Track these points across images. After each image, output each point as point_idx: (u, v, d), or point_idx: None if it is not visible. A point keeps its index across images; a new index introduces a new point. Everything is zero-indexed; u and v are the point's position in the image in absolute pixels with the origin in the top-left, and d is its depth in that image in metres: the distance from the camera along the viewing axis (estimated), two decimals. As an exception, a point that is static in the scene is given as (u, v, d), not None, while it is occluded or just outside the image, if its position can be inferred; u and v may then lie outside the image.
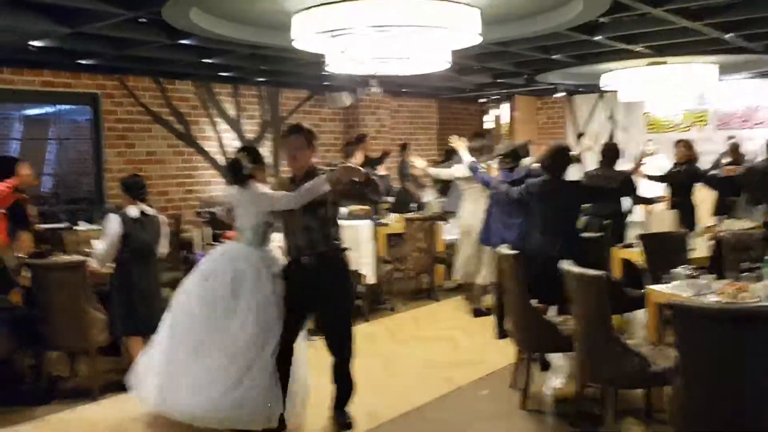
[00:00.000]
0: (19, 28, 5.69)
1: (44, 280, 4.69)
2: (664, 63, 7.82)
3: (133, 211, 4.93)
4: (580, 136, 11.99)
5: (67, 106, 10.39)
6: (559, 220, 5.02)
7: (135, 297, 4.79)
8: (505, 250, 4.61)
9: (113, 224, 4.83)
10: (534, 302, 4.64)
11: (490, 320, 6.28)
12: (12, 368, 4.85)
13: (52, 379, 5.01)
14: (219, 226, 6.09)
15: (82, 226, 7.14)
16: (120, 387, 4.55)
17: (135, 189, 5.04)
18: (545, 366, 5.11)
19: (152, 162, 8.89)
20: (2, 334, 4.53)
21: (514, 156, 5.99)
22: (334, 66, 5.39)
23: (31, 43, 6.25)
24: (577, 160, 5.75)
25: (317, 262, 3.99)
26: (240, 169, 4.15)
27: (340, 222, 6.45)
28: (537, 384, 4.73)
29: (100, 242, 4.93)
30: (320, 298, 4.03)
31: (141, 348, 4.51)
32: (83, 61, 7.41)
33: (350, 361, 4.13)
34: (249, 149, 4.39)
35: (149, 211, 5.05)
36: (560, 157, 5.10)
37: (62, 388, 4.93)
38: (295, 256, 4.06)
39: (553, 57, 7.84)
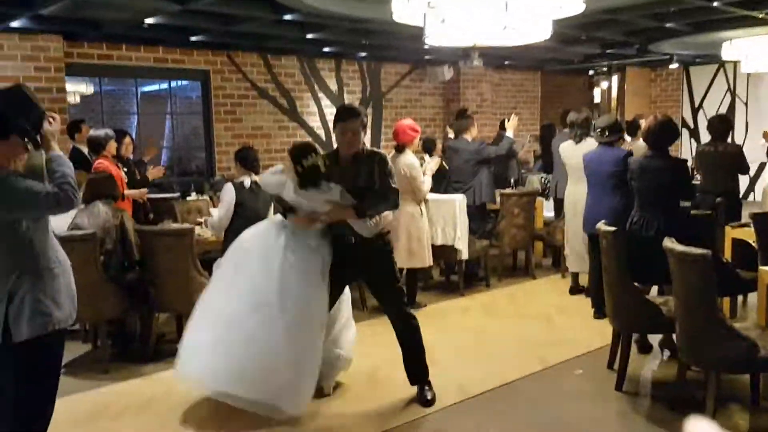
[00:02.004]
0: (133, 5, 6.00)
1: (154, 245, 4.96)
2: (792, 30, 7.24)
3: (246, 181, 5.28)
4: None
5: (182, 83, 10.90)
6: (662, 198, 4.76)
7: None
8: (604, 226, 4.44)
9: (229, 193, 5.20)
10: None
11: (587, 300, 6.09)
12: (124, 328, 5.19)
13: (160, 340, 5.33)
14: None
15: (193, 197, 7.50)
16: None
17: (248, 160, 5.38)
18: (645, 348, 4.92)
19: (258, 136, 9.19)
20: (117, 296, 4.85)
21: (614, 129, 5.62)
22: (434, 39, 5.32)
23: (145, 20, 6.58)
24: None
25: (358, 240, 4.01)
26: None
27: (432, 197, 6.53)
28: (635, 366, 4.56)
29: (217, 210, 5.27)
30: (361, 266, 4.10)
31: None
32: (194, 38, 7.72)
33: (411, 325, 4.11)
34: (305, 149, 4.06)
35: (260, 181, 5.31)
36: (666, 131, 4.82)
37: (170, 349, 5.22)
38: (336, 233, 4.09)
39: (667, 25, 7.41)
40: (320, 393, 4.21)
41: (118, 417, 4.06)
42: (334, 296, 4.14)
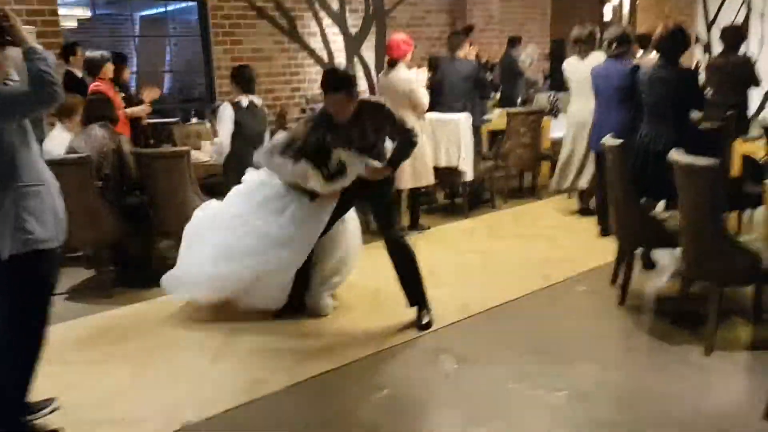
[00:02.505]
0: None
1: (152, 169, 4.89)
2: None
3: (243, 100, 5.21)
4: None
5: (181, 6, 10.58)
6: (671, 110, 4.59)
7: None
8: (610, 140, 4.32)
9: (227, 111, 5.16)
10: (642, 200, 4.39)
11: (593, 220, 6.02)
12: (126, 252, 5.18)
13: (162, 264, 5.32)
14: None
15: (193, 122, 7.39)
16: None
17: (244, 79, 5.27)
18: (650, 265, 4.87)
19: (258, 59, 8.95)
20: (117, 220, 4.81)
21: (622, 41, 5.36)
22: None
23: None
24: None
25: None
26: None
27: (437, 116, 6.38)
28: (638, 282, 4.53)
29: (219, 134, 5.22)
30: (366, 192, 4.06)
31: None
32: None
33: (407, 253, 4.06)
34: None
35: (257, 101, 5.32)
36: (677, 41, 4.61)
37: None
38: None
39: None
40: (319, 313, 4.27)
41: (121, 340, 4.09)
42: (334, 218, 4.15)
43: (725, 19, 11.25)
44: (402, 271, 4.08)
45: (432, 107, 6.49)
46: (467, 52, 6.95)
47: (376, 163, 3.92)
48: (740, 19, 11.03)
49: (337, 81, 3.73)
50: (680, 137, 4.45)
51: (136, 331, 4.21)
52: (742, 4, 11.04)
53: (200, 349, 3.89)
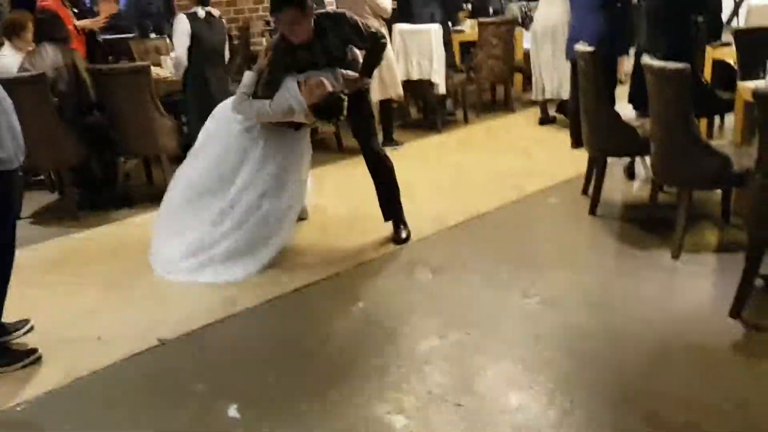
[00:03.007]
0: None
1: (110, 86, 4.71)
2: None
3: (200, 11, 4.98)
4: None
5: None
6: (670, 17, 4.42)
7: (208, 101, 4.77)
8: (582, 47, 4.23)
9: (183, 23, 4.93)
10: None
11: (566, 132, 5.99)
12: (90, 174, 5.04)
13: (128, 186, 5.21)
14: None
15: (152, 37, 7.10)
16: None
17: None
18: (632, 175, 4.88)
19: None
20: (77, 141, 4.67)
21: None
22: None
23: None
24: None
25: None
26: None
27: (407, 27, 6.20)
28: (611, 191, 4.55)
29: (175, 48, 5.01)
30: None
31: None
32: None
33: (386, 165, 4.01)
34: None
35: (215, 12, 5.11)
36: None
37: (139, 194, 5.14)
38: None
39: None
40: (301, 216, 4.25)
41: (91, 262, 4.03)
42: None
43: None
44: (381, 184, 4.03)
45: (403, 18, 6.33)
46: None
47: (351, 74, 3.77)
48: None
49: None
50: (679, 48, 4.27)
51: (106, 252, 4.15)
52: None
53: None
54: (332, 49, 3.67)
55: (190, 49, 4.92)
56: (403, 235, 4.06)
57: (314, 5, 3.63)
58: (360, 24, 3.71)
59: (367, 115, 4.00)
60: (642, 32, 4.67)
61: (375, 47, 3.77)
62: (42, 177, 5.46)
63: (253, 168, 3.76)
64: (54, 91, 4.52)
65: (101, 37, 5.86)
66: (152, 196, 4.71)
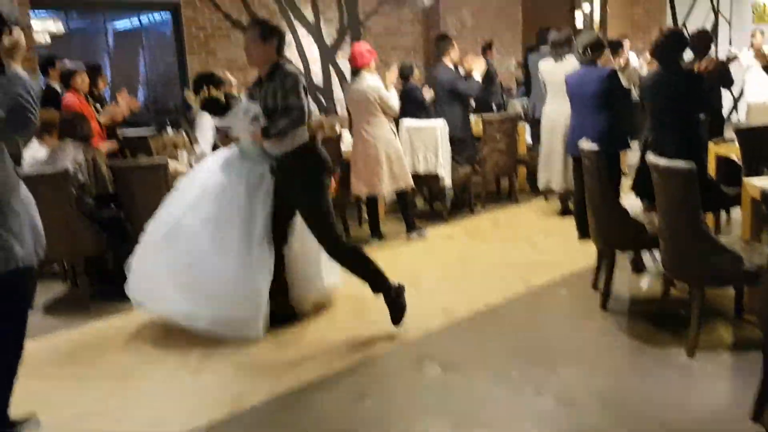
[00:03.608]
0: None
1: (128, 180, 4.83)
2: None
3: None
4: None
5: (154, 20, 10.48)
6: (674, 116, 4.53)
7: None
8: (587, 144, 4.34)
9: (206, 119, 5.20)
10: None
11: (572, 223, 6.05)
12: (104, 265, 5.09)
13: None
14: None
15: (169, 132, 7.31)
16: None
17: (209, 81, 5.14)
18: (640, 268, 4.89)
19: (234, 70, 8.87)
20: (93, 233, 4.74)
21: (595, 47, 5.35)
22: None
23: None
24: None
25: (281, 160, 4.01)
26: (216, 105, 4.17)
27: (412, 123, 6.39)
28: (621, 285, 4.56)
29: (200, 143, 5.21)
30: (287, 193, 4.03)
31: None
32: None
33: (346, 263, 4.05)
34: (203, 79, 4.28)
35: None
36: (674, 41, 4.58)
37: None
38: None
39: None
40: (299, 318, 4.28)
41: (100, 354, 4.01)
42: (282, 222, 4.17)
43: (694, 25, 11.48)
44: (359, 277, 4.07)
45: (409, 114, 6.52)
46: (455, 57, 6.98)
47: (256, 128, 3.90)
48: (708, 25, 11.28)
49: (251, 22, 4.06)
50: (684, 145, 4.41)
51: (115, 344, 4.13)
52: (709, 10, 11.29)
53: (180, 362, 3.83)
54: (270, 96, 3.88)
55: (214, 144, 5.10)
56: (397, 305, 4.04)
57: (285, 55, 4.04)
58: (292, 88, 3.81)
59: (311, 206, 3.97)
60: (646, 128, 4.78)
61: (286, 117, 3.81)
62: (56, 269, 5.51)
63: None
64: (73, 183, 4.64)
65: (121, 132, 6.03)
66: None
